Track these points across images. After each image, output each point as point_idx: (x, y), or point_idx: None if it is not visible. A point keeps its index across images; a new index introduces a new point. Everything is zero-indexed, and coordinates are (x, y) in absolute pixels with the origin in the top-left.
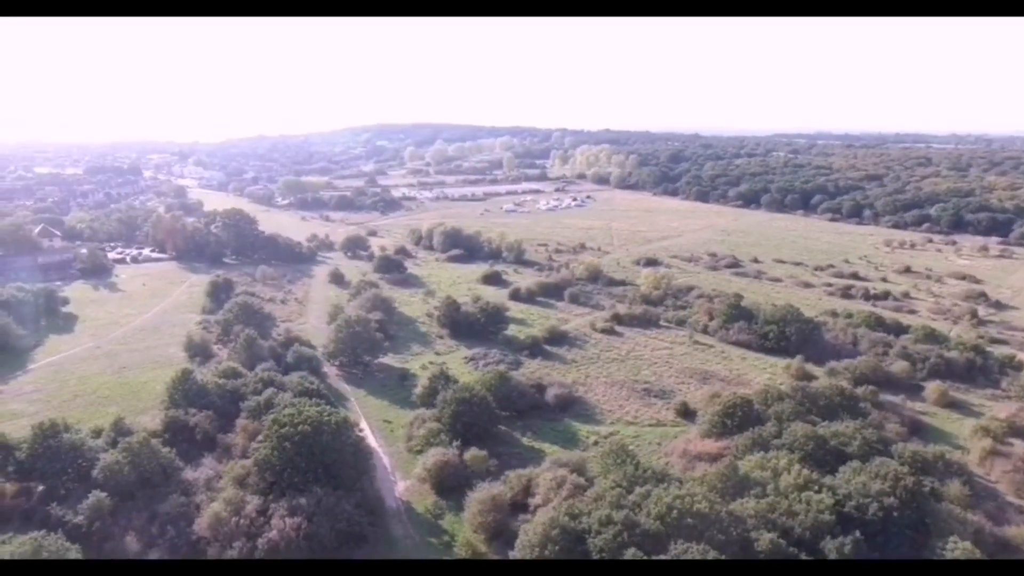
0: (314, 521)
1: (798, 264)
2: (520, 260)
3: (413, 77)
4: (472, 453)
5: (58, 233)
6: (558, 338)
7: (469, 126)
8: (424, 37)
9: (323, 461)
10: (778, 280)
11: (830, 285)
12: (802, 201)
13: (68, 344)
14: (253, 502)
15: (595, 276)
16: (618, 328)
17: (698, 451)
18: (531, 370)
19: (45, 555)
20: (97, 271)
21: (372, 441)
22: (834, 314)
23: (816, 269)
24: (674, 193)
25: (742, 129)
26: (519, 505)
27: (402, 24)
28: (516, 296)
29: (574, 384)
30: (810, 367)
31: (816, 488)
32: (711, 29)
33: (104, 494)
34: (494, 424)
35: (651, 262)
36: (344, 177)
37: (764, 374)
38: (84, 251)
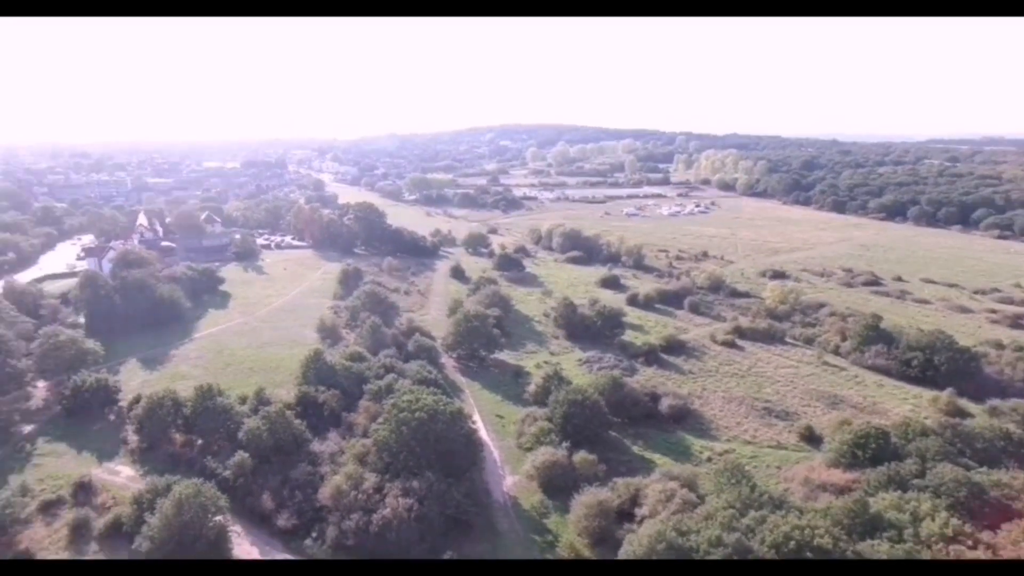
0: (425, 504)
1: (952, 286)
2: (639, 265)
3: (539, 79)
4: (581, 456)
5: (219, 220)
6: (675, 347)
7: (592, 128)
8: (551, 38)
9: (436, 448)
10: (926, 302)
11: (994, 312)
12: (960, 215)
13: (223, 319)
14: (371, 479)
15: (717, 286)
16: (739, 342)
17: (823, 481)
18: (646, 378)
19: (203, 500)
20: (247, 255)
21: (484, 434)
22: (999, 345)
23: (976, 293)
24: (806, 202)
25: (888, 135)
26: (625, 513)
27: (530, 25)
28: (634, 302)
29: (690, 396)
30: (964, 403)
31: (970, 543)
32: (854, 28)
33: (247, 455)
34: (605, 429)
35: (778, 275)
36: (468, 175)
37: (904, 405)
38: (238, 236)
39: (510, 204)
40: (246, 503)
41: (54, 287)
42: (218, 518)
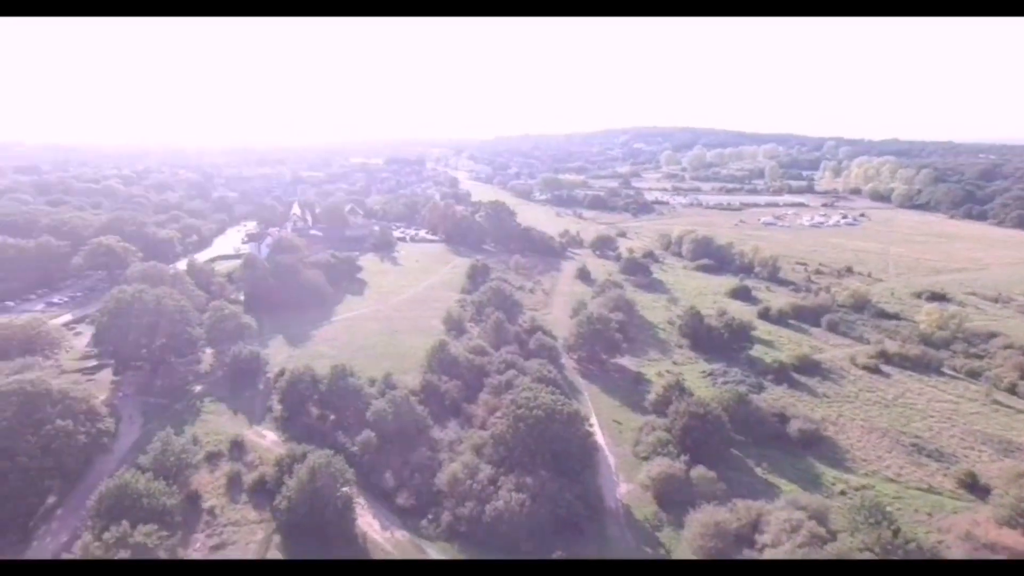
0: (537, 501)
1: None
2: (774, 278)
3: (677, 80)
4: (699, 471)
5: (361, 212)
6: (809, 367)
7: (731, 132)
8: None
9: (552, 447)
10: None
11: None
12: None
13: (359, 305)
14: (486, 471)
15: (861, 305)
16: (884, 367)
17: (991, 540)
18: (774, 397)
19: (333, 471)
20: (384, 246)
21: (600, 438)
22: None
23: None
24: (980, 217)
25: None
26: (744, 538)
27: (670, 25)
28: (765, 316)
29: (823, 421)
30: None
31: None
32: None
33: (373, 434)
34: (726, 446)
35: (937, 297)
36: (599, 177)
37: None
38: (377, 228)
39: (641, 208)
40: (370, 479)
41: (223, 266)
42: (345, 489)
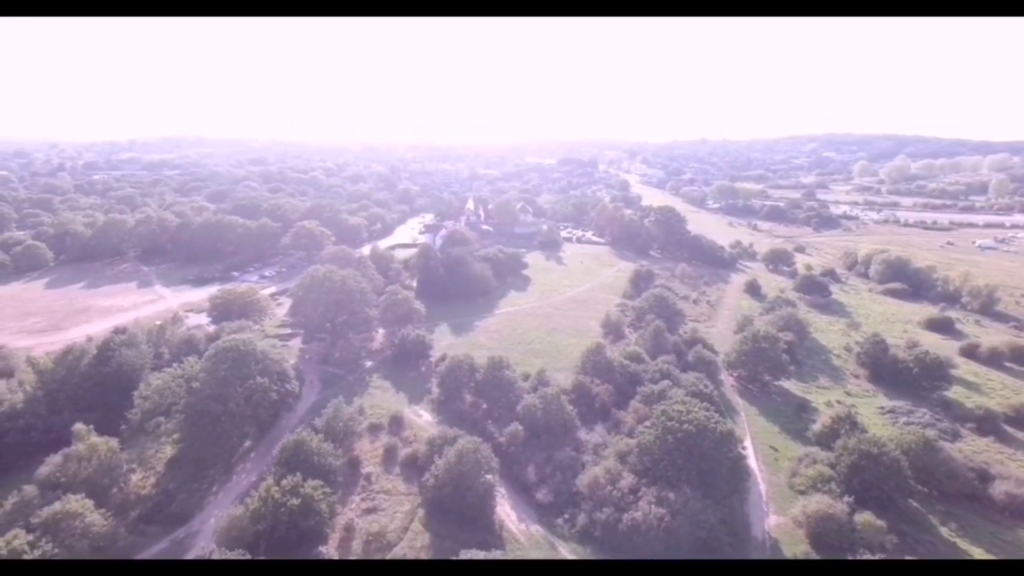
0: (677, 518)
1: None
2: (988, 311)
3: (873, 82)
4: (865, 518)
5: (531, 210)
6: None
7: (946, 139)
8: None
9: (699, 465)
10: None
11: None
12: None
13: (521, 300)
14: (628, 479)
15: None
16: None
17: None
18: (974, 449)
19: (479, 457)
20: (551, 245)
21: (753, 463)
22: None
23: None
24: None
25: None
26: None
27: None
28: (971, 353)
29: None
30: None
31: None
32: None
33: (521, 427)
34: (903, 495)
35: None
36: (780, 187)
37: None
38: (545, 227)
39: (824, 222)
40: (513, 470)
41: (401, 254)
42: (489, 476)
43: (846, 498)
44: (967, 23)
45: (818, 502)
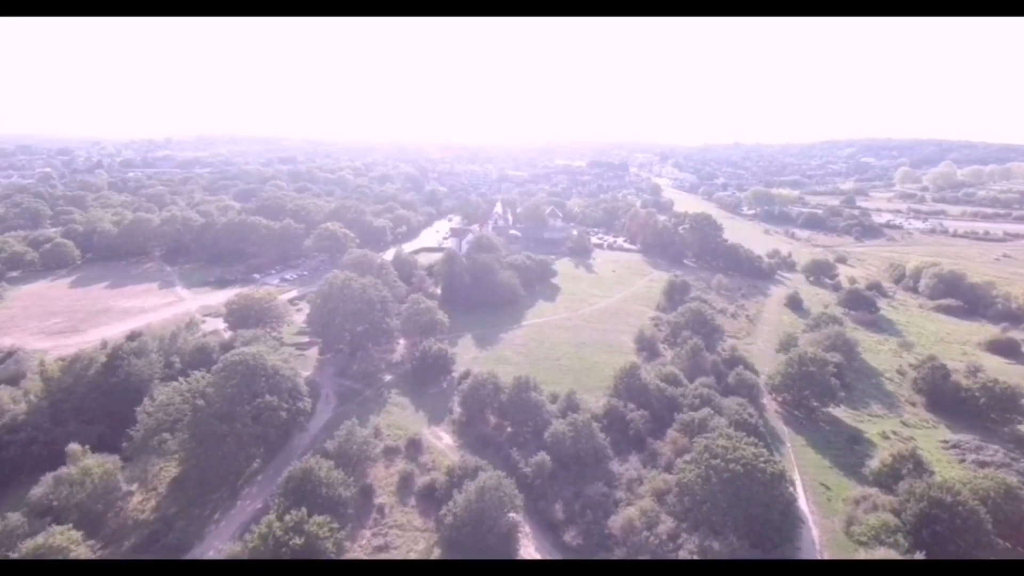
0: None
1: None
2: None
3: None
4: None
5: (560, 214)
6: None
7: (995, 144)
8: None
9: (748, 511)
10: None
11: None
12: None
13: (549, 311)
14: (667, 523)
15: None
16: None
17: None
18: None
19: (502, 495)
20: (581, 251)
21: (802, 503)
22: None
23: None
24: None
25: None
26: None
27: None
28: None
29: None
30: None
31: None
32: None
33: (548, 457)
34: (982, 551)
35: None
36: (817, 193)
37: None
38: (575, 233)
39: (865, 231)
40: (538, 505)
41: (425, 259)
42: (512, 515)
43: (916, 553)
44: (1016, 23)
45: (883, 556)
